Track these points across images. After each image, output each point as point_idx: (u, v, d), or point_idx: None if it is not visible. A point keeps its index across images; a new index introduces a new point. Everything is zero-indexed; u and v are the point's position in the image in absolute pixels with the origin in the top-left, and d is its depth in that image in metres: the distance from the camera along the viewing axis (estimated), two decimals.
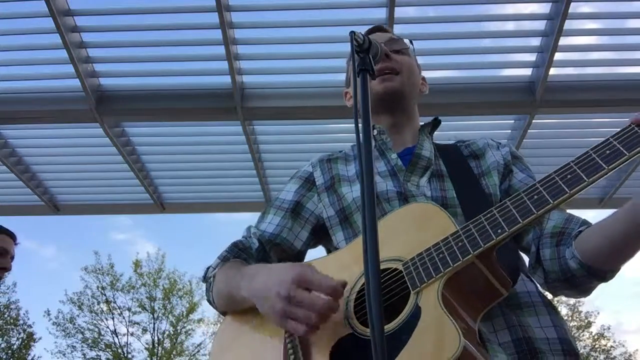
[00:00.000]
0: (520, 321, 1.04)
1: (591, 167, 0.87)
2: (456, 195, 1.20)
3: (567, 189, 0.88)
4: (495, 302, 0.98)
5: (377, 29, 1.48)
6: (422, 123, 1.41)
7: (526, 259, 1.20)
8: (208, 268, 1.32)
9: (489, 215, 0.94)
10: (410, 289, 0.96)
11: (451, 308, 0.90)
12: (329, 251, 1.37)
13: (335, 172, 1.35)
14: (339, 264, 1.16)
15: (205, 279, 1.32)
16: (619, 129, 0.87)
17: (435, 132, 1.43)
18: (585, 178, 0.86)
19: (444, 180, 1.25)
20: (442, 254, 0.95)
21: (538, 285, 1.15)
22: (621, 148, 0.84)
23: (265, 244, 1.31)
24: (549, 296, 1.15)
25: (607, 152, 0.86)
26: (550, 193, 0.89)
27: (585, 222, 1.11)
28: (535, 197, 0.90)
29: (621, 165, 0.85)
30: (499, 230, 0.91)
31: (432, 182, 1.24)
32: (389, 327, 0.94)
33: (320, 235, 1.35)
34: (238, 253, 1.29)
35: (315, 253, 1.40)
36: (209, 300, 1.31)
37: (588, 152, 0.88)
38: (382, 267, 0.97)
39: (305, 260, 1.36)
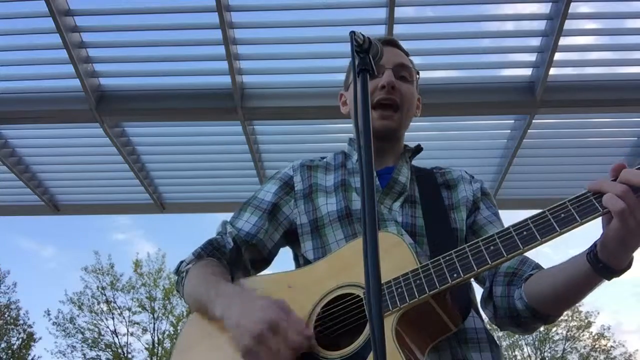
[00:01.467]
0: (465, 356, 1.11)
1: (545, 227, 0.93)
2: (424, 225, 1.25)
3: (521, 246, 0.94)
4: (443, 336, 1.06)
5: (390, 42, 1.44)
6: (406, 143, 1.44)
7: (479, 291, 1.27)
8: (181, 262, 1.34)
9: (448, 258, 1.01)
10: (368, 318, 0.99)
11: (402, 341, 0.96)
12: (295, 255, 1.40)
13: (314, 180, 1.37)
14: (305, 281, 1.19)
15: (177, 272, 1.34)
16: (576, 194, 0.93)
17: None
18: (538, 237, 0.93)
19: (416, 207, 1.29)
20: (401, 289, 1.01)
21: (486, 322, 1.23)
22: (575, 214, 0.91)
23: (240, 244, 1.32)
24: (494, 334, 1.25)
25: (562, 215, 0.92)
26: (506, 247, 0.96)
27: (537, 266, 1.19)
28: (492, 247, 0.97)
29: (573, 230, 0.92)
30: (455, 275, 0.98)
31: (405, 207, 1.28)
32: (343, 352, 1.00)
33: (290, 239, 1.37)
34: (212, 252, 1.31)
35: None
36: (178, 291, 1.33)
37: (544, 212, 0.95)
38: (344, 291, 1.07)
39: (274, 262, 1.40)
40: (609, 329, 22.66)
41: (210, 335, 1.20)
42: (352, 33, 0.97)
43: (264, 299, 1.09)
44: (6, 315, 21.01)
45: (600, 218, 0.93)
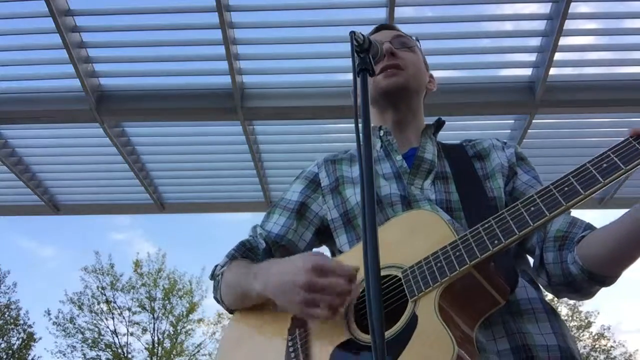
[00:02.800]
0: (520, 328, 1.04)
1: (588, 180, 0.87)
2: (460, 199, 1.19)
3: (563, 202, 0.88)
4: (493, 310, 0.99)
5: (384, 27, 1.45)
6: (427, 122, 1.40)
7: (531, 260, 1.19)
8: (216, 266, 1.32)
9: (487, 225, 0.95)
10: (408, 297, 0.97)
11: (447, 317, 0.91)
12: (332, 253, 1.36)
13: (340, 173, 1.34)
14: None
15: (213, 276, 1.32)
16: (617, 142, 0.88)
17: (440, 132, 1.41)
18: (581, 191, 0.87)
19: (448, 182, 1.23)
20: (440, 264, 0.96)
21: (541, 290, 1.16)
22: (618, 162, 0.85)
23: (271, 245, 1.30)
24: (551, 302, 1.16)
25: (604, 165, 0.86)
26: (547, 205, 0.90)
27: (589, 227, 1.10)
28: (532, 208, 0.91)
29: (618, 179, 0.86)
30: (496, 242, 0.92)
31: (437, 184, 1.23)
32: (386, 334, 0.95)
33: (324, 236, 1.34)
34: (246, 252, 1.29)
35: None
36: (216, 298, 1.31)
37: (585, 164, 0.89)
38: (382, 273, 0.99)
39: None
40: (609, 329, 22.67)
41: (249, 336, 1.18)
42: (352, 33, 0.96)
43: (296, 255, 1.09)
44: (6, 315, 21.01)
45: None
